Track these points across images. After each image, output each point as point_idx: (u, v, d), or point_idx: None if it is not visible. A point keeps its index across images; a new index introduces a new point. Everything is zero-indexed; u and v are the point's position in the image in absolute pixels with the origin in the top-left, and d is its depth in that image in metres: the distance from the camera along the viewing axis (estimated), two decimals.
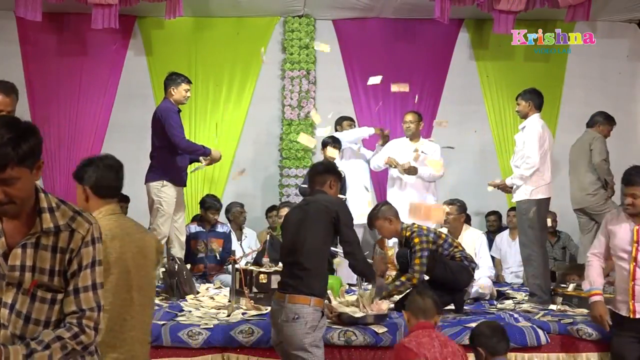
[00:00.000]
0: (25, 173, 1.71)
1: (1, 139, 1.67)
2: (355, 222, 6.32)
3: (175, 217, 5.33)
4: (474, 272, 4.64)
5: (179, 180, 5.32)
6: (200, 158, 5.51)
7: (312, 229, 3.39)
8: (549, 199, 5.11)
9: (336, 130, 6.62)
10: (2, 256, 1.75)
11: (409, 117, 6.28)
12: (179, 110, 5.30)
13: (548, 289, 5.00)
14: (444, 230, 5.60)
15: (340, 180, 3.69)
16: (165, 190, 5.18)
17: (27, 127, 1.75)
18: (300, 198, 6.62)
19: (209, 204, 6.30)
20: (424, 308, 3.28)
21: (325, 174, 3.62)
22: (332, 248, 5.30)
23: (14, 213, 1.75)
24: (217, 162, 5.63)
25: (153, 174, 5.24)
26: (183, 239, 5.48)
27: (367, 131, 6.51)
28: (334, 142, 6.22)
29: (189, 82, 5.31)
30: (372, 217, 4.66)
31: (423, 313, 3.27)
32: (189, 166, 5.58)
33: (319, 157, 6.65)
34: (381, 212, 4.60)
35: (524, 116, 5.24)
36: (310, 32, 7.53)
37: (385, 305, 4.12)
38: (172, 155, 5.21)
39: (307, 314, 3.20)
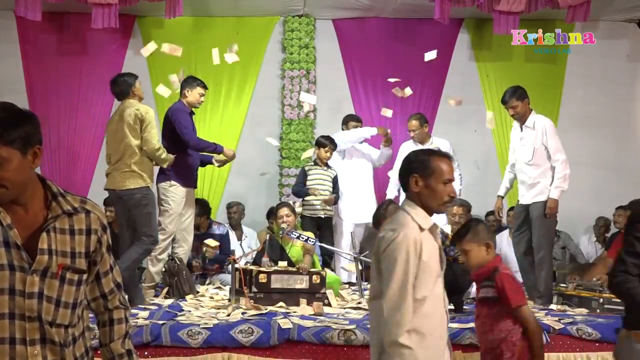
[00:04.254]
0: (16, 155, 1.69)
1: None
2: (358, 221, 6.39)
3: (182, 217, 5.33)
4: None
5: (189, 181, 5.33)
6: (213, 160, 5.53)
7: None
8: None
9: (342, 130, 6.62)
10: (18, 247, 1.73)
11: (412, 124, 6.32)
12: (192, 113, 5.33)
13: (550, 290, 5.01)
14: (448, 228, 5.62)
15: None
16: (173, 190, 5.19)
17: (22, 112, 1.75)
18: (294, 199, 6.63)
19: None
20: (492, 235, 3.00)
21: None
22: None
23: (7, 199, 1.73)
24: (231, 160, 5.65)
25: (162, 175, 5.25)
26: (190, 239, 5.48)
27: (369, 131, 6.51)
28: (330, 142, 6.23)
29: (205, 87, 5.37)
30: (379, 217, 4.53)
31: (493, 241, 3.00)
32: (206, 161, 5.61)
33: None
34: (388, 212, 4.51)
35: (522, 116, 5.17)
36: (310, 32, 7.52)
37: None
38: (181, 156, 5.21)
39: None
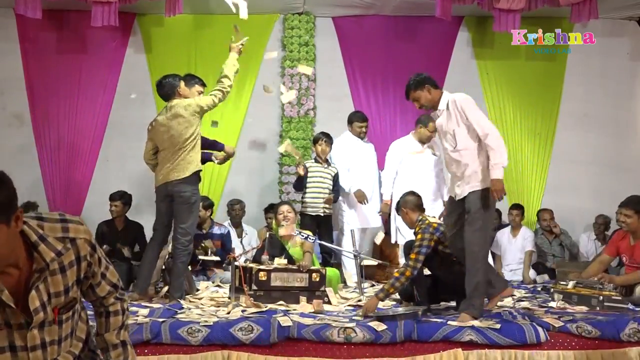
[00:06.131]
0: (2, 230, 1.55)
1: None
2: (363, 225, 6.36)
3: None
4: None
5: None
6: (213, 157, 5.54)
7: None
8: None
9: (348, 129, 6.55)
10: (9, 307, 1.67)
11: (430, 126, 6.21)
12: None
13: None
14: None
15: None
16: None
17: None
18: (295, 197, 6.61)
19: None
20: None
21: None
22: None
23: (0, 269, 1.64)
24: (231, 157, 5.70)
25: None
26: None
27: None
28: (323, 135, 6.21)
29: (203, 84, 5.37)
30: (397, 205, 5.00)
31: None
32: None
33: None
34: (402, 202, 4.85)
35: (434, 106, 4.45)
36: (310, 30, 7.51)
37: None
38: None
39: None
